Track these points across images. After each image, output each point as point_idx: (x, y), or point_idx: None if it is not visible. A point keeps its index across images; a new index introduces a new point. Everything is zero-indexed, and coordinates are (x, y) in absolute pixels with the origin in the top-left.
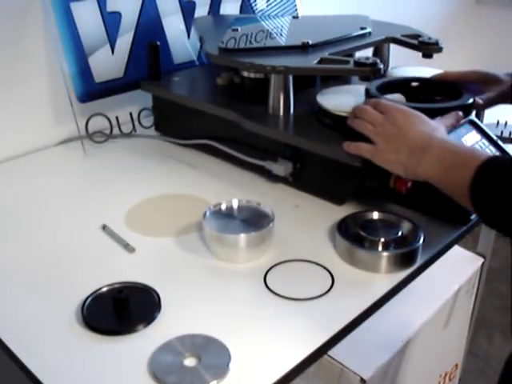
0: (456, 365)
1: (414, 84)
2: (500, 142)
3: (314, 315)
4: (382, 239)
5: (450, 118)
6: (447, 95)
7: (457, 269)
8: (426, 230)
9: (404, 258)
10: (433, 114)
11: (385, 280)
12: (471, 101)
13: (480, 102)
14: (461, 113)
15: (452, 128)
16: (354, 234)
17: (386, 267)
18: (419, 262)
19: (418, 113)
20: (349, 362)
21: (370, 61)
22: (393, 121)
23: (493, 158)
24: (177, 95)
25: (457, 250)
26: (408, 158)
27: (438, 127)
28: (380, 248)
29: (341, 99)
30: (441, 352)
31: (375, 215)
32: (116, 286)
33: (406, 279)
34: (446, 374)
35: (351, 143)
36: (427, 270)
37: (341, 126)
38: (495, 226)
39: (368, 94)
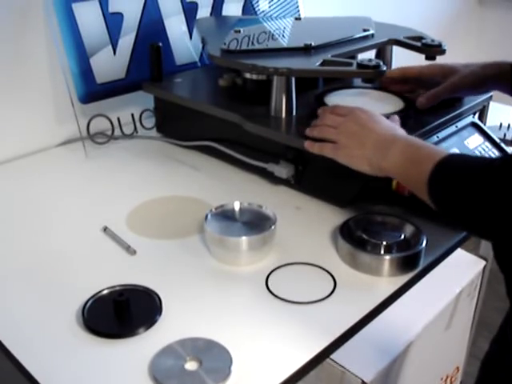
0: (457, 367)
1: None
2: (503, 145)
3: (316, 319)
4: (385, 242)
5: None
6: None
7: (459, 271)
8: (429, 233)
9: (407, 262)
10: None
11: (387, 283)
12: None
13: (423, 100)
14: (397, 117)
15: None
16: (356, 238)
17: (388, 270)
18: (422, 265)
19: (377, 113)
20: (350, 365)
21: (373, 63)
22: (355, 119)
23: (452, 155)
24: (179, 97)
25: (459, 252)
26: (373, 153)
27: (396, 126)
28: (382, 251)
29: (349, 101)
30: (442, 355)
31: (378, 218)
32: (117, 288)
33: (409, 283)
34: (447, 377)
35: (314, 143)
36: (429, 273)
37: None
38: (451, 218)
39: (319, 100)
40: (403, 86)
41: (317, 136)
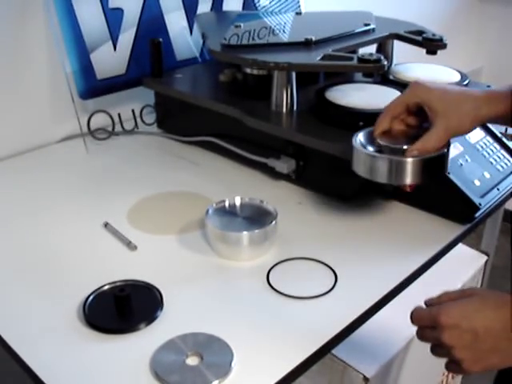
0: None
1: None
2: (504, 139)
3: (317, 313)
4: (405, 147)
5: None
6: None
7: (460, 266)
8: (431, 228)
9: (431, 165)
10: None
11: (388, 278)
12: None
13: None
14: None
15: None
16: (373, 148)
17: (411, 175)
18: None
19: (464, 300)
20: (352, 361)
21: (374, 57)
22: (456, 328)
23: None
24: (179, 92)
25: (460, 247)
26: None
27: (493, 297)
28: (404, 155)
29: (350, 95)
30: None
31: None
32: (118, 284)
33: (410, 277)
34: (448, 372)
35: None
36: (431, 268)
37: (352, 122)
38: None
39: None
40: (402, 123)
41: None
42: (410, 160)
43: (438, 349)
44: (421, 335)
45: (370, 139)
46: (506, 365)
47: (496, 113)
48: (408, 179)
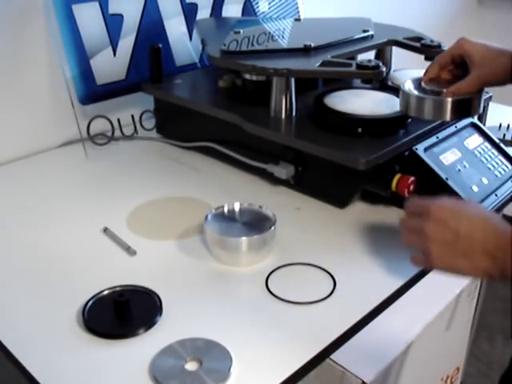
0: (457, 368)
1: None
2: (502, 145)
3: (315, 319)
4: (445, 90)
5: None
6: None
7: None
8: None
9: (464, 105)
10: None
11: (386, 284)
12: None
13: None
14: None
15: None
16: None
17: (450, 113)
18: None
19: (460, 202)
20: (350, 366)
21: (373, 63)
22: (442, 222)
23: None
24: (179, 98)
25: None
26: (491, 263)
27: (489, 213)
28: (445, 95)
29: (349, 101)
30: (442, 355)
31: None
32: (117, 289)
33: (408, 283)
34: (447, 377)
35: (416, 257)
36: (428, 274)
37: (351, 128)
38: None
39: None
40: (449, 73)
41: (406, 245)
42: (446, 99)
43: (414, 235)
44: (405, 220)
45: (417, 86)
46: (470, 274)
47: None
48: (448, 116)
